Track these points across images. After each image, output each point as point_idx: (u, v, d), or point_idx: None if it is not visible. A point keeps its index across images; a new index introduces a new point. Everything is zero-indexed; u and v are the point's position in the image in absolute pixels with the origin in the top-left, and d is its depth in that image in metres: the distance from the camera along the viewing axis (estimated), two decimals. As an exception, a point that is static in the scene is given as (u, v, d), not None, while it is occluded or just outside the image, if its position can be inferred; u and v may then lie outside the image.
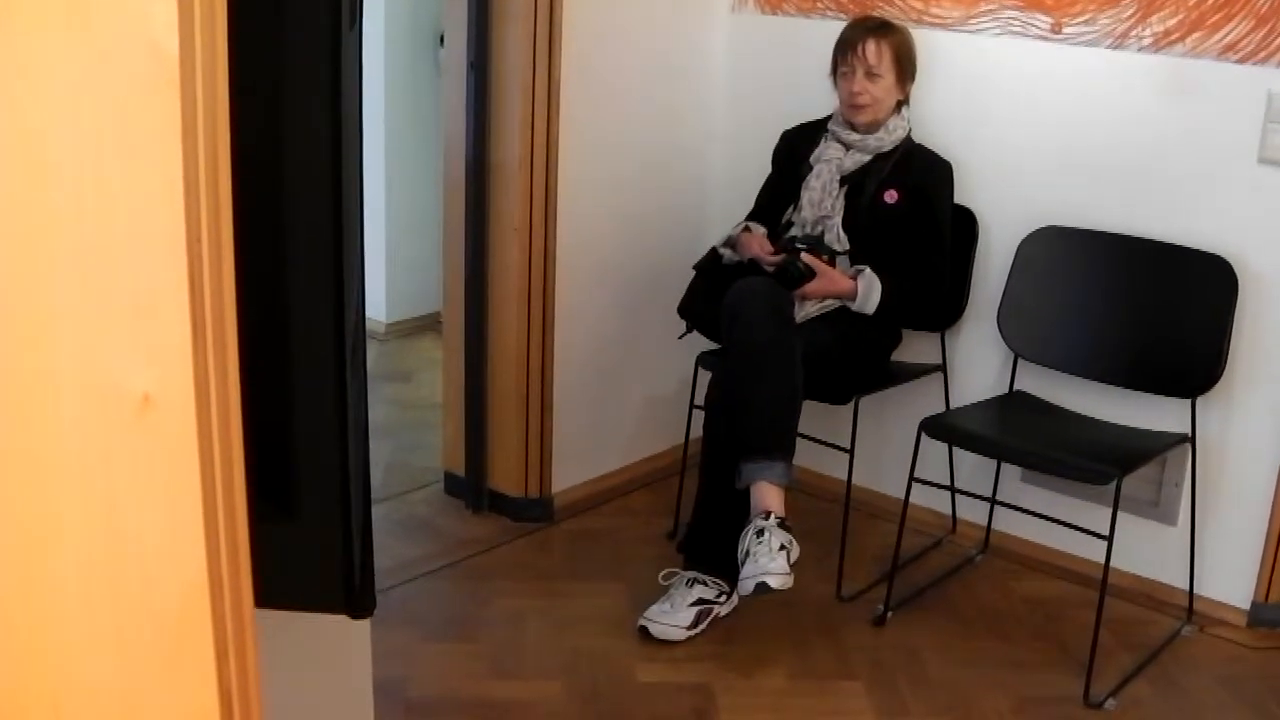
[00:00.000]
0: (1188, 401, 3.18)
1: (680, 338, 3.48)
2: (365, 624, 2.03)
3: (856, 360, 3.35)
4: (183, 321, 0.85)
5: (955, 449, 3.49)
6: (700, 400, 3.27)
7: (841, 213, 3.33)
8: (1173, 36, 3.16)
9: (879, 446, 3.67)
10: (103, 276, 0.85)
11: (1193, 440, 3.20)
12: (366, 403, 1.30)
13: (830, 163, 3.37)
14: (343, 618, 1.40)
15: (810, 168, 3.40)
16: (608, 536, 3.65)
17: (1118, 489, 2.88)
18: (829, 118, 3.44)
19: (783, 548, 2.87)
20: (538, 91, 3.40)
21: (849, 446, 3.33)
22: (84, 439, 0.85)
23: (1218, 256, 3.13)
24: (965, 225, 3.49)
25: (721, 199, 3.95)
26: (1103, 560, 2.95)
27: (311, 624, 1.54)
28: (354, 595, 1.30)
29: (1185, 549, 3.26)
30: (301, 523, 1.25)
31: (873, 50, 3.26)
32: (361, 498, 1.29)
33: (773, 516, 2.92)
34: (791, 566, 2.88)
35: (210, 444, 0.87)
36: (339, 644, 2.00)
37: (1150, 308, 3.27)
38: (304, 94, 1.17)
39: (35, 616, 0.88)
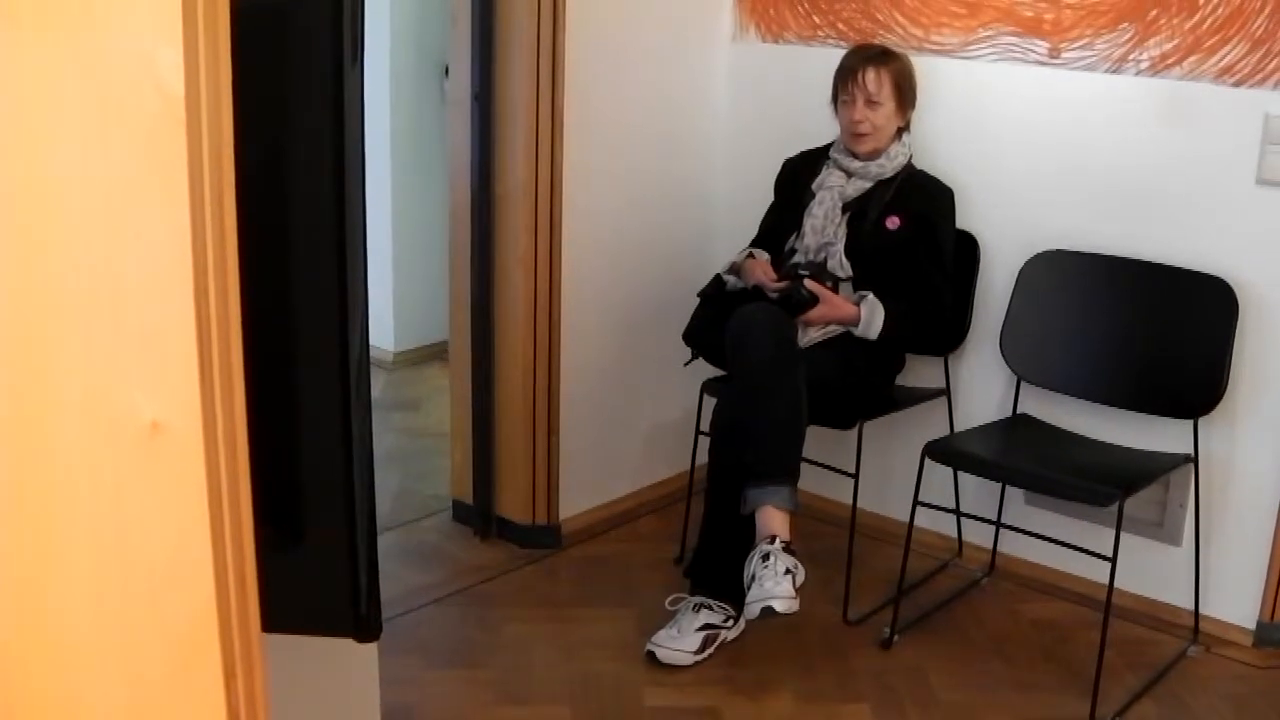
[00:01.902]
0: (1190, 422, 3.19)
1: (686, 364, 3.50)
2: (373, 650, 2.05)
3: (860, 385, 3.37)
4: (190, 352, 0.88)
5: (960, 472, 3.51)
6: (706, 426, 3.29)
7: (844, 239, 3.35)
8: (1170, 60, 3.19)
9: (884, 471, 3.69)
10: (113, 309, 0.88)
11: (1195, 461, 3.21)
12: (371, 430, 1.33)
13: (832, 190, 3.39)
14: (350, 643, 1.42)
15: (812, 195, 3.42)
16: (615, 562, 3.67)
17: (1120, 510, 2.90)
18: (831, 145, 3.47)
19: (788, 571, 2.89)
20: (541, 121, 3.43)
21: (854, 471, 3.35)
22: (94, 464, 0.87)
23: (1218, 278, 3.15)
24: (967, 250, 3.52)
25: (725, 226, 3.98)
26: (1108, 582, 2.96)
27: (320, 650, 1.56)
28: (361, 619, 1.33)
29: (1190, 569, 3.27)
30: (308, 548, 1.28)
31: (872, 78, 3.29)
32: (367, 523, 1.31)
33: (778, 541, 2.94)
34: (797, 590, 2.89)
35: (217, 469, 0.89)
36: (347, 670, 2.02)
37: (1151, 329, 3.29)
38: (308, 129, 1.20)
39: (46, 638, 0.91)
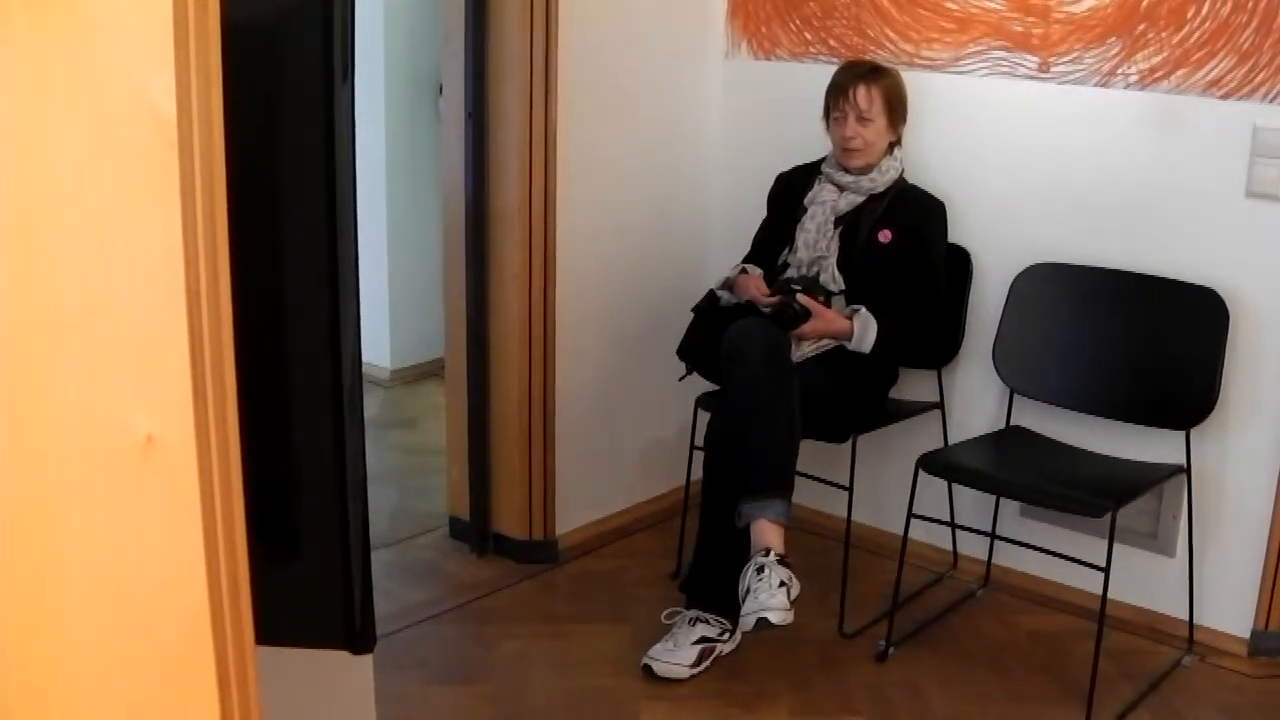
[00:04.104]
0: (1182, 433, 3.21)
1: (680, 380, 3.52)
2: (368, 666, 2.06)
3: (854, 399, 3.39)
4: (183, 367, 0.89)
5: (954, 485, 3.52)
6: (701, 441, 3.30)
7: (836, 253, 3.37)
8: (1158, 74, 3.21)
9: (878, 484, 3.70)
10: (108, 326, 0.89)
11: (1188, 471, 3.22)
12: (363, 444, 1.34)
13: (824, 204, 3.41)
14: (346, 658, 1.43)
15: (805, 210, 3.44)
16: (611, 577, 3.68)
17: (1113, 521, 2.91)
18: (823, 160, 3.49)
19: (783, 584, 2.90)
20: (535, 139, 3.45)
21: (848, 484, 3.36)
22: (90, 478, 0.89)
23: (1209, 289, 3.16)
24: (959, 263, 3.54)
25: (719, 242, 4.00)
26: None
27: (316, 665, 1.57)
28: (355, 631, 1.34)
29: (1184, 579, 3.29)
30: (303, 561, 1.29)
31: (863, 95, 3.31)
32: (361, 536, 1.32)
33: (773, 554, 2.95)
34: (792, 603, 2.90)
35: (211, 482, 0.91)
36: (343, 686, 2.02)
37: (1143, 341, 3.30)
38: (299, 147, 1.21)
39: (41, 651, 0.92)
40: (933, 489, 3.42)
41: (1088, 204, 3.38)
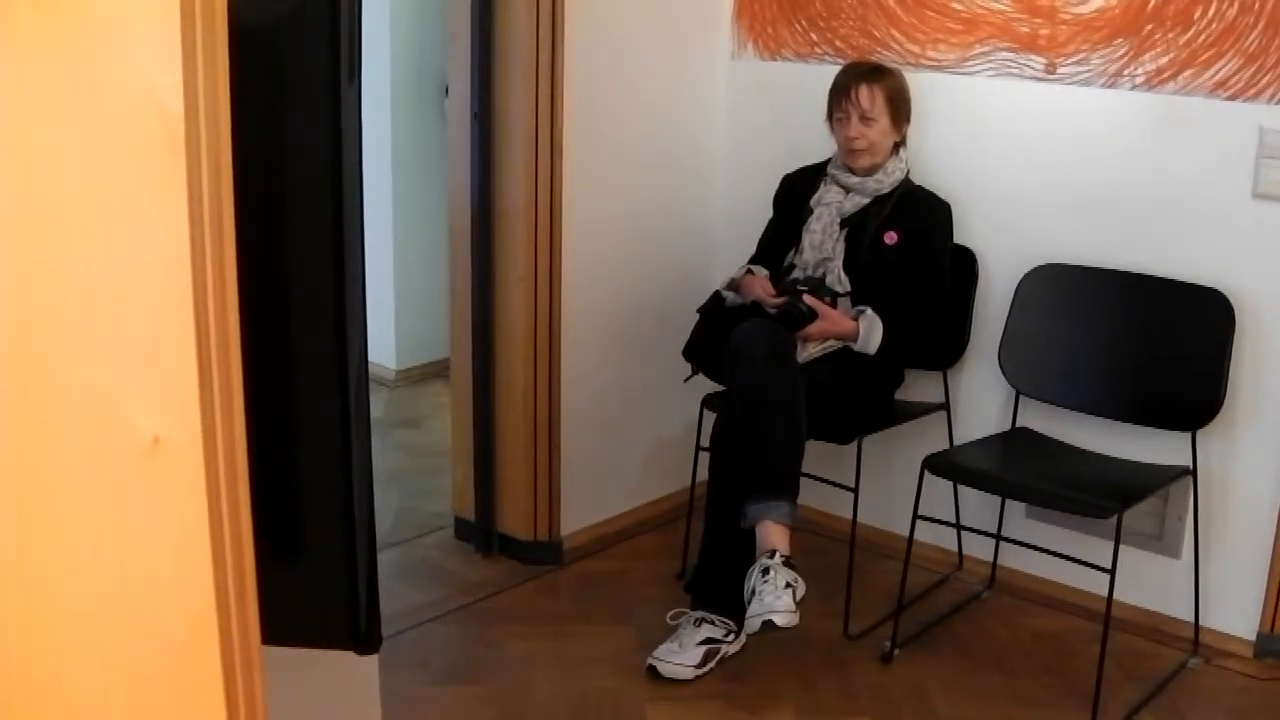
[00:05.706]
0: (1188, 434, 3.20)
1: (686, 380, 3.52)
2: (374, 667, 2.06)
3: (859, 400, 3.38)
4: (189, 368, 0.89)
5: (960, 486, 3.52)
6: (706, 442, 3.30)
7: (842, 255, 3.37)
8: (1164, 75, 3.21)
9: (884, 485, 3.70)
10: (115, 326, 0.89)
11: (1194, 473, 3.22)
12: (370, 444, 1.34)
13: (830, 206, 3.41)
14: (352, 658, 1.43)
15: (811, 211, 3.44)
16: (616, 578, 3.68)
17: (1119, 523, 2.91)
18: (829, 161, 3.49)
19: (788, 586, 2.90)
20: (540, 139, 3.45)
21: (854, 485, 3.35)
22: (97, 478, 0.89)
23: (1215, 290, 3.16)
24: (965, 264, 3.53)
25: (724, 243, 4.00)
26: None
27: (321, 665, 1.57)
28: (360, 631, 1.34)
29: (1190, 581, 3.28)
30: (309, 561, 1.29)
31: (865, 95, 3.31)
32: (366, 537, 1.32)
33: (778, 555, 2.95)
34: (797, 604, 2.90)
35: (217, 483, 0.91)
36: (348, 685, 2.02)
37: (1149, 342, 3.30)
38: (305, 147, 1.21)
39: (48, 651, 0.92)
40: (938, 490, 3.41)
41: (1094, 205, 3.38)
